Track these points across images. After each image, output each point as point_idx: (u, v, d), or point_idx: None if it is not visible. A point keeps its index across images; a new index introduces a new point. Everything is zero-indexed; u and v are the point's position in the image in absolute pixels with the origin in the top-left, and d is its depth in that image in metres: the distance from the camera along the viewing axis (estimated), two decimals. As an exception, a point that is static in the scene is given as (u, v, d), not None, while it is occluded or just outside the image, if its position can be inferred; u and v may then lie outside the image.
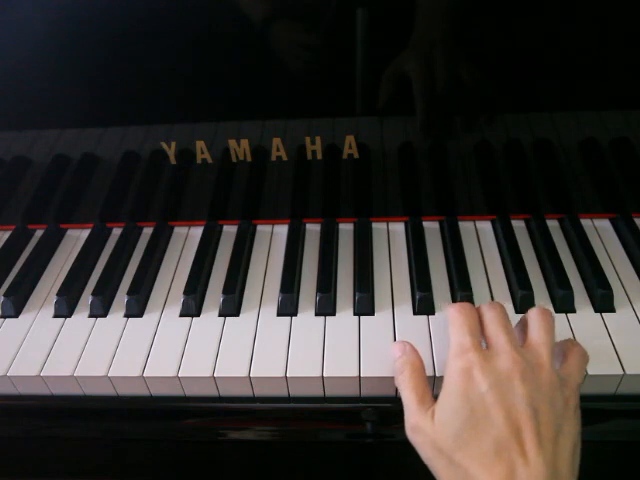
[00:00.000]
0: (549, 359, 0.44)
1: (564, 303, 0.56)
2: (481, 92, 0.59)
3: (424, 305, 0.56)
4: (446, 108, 0.59)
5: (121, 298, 0.60)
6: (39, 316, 0.60)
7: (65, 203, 0.70)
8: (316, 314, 0.57)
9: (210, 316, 0.58)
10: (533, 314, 0.47)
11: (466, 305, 0.48)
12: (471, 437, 0.41)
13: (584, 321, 0.55)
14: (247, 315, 0.57)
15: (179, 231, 0.70)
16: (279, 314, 0.57)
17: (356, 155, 0.63)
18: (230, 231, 0.69)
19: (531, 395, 0.41)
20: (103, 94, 0.61)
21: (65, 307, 0.59)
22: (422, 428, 0.44)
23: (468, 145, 0.62)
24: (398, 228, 0.67)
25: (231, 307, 0.58)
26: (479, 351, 0.44)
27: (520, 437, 0.40)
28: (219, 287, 0.60)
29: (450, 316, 0.48)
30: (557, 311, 0.56)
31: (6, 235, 0.71)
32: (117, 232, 0.70)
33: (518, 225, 0.66)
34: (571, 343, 0.48)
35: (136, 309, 0.59)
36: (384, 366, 0.51)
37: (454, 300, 0.57)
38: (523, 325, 0.49)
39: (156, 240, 0.67)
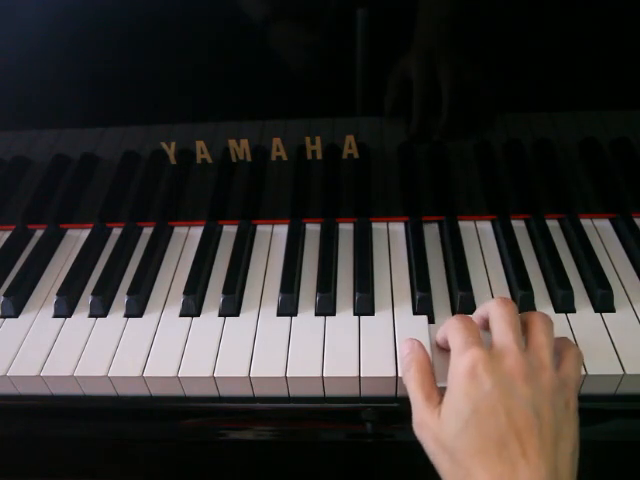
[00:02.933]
0: (550, 362, 0.44)
1: (564, 303, 0.56)
2: (481, 92, 0.59)
3: (424, 305, 0.56)
4: (446, 108, 0.59)
5: (121, 298, 0.60)
6: (39, 316, 0.60)
7: (65, 203, 0.70)
8: (316, 314, 0.57)
9: (210, 316, 0.58)
10: (533, 317, 0.47)
11: (464, 315, 0.48)
12: (474, 436, 0.41)
13: (584, 321, 0.55)
14: (247, 315, 0.57)
15: (179, 231, 0.70)
16: (279, 314, 0.57)
17: (356, 155, 0.63)
18: (230, 231, 0.69)
19: (533, 397, 0.41)
20: (103, 94, 0.61)
21: (65, 307, 0.59)
22: (428, 425, 0.44)
23: (468, 145, 0.62)
24: (398, 228, 0.67)
25: (231, 307, 0.58)
26: (482, 348, 0.44)
27: (521, 438, 0.40)
28: (219, 287, 0.60)
29: (449, 324, 0.48)
30: (557, 311, 0.56)
31: (6, 235, 0.71)
32: (117, 232, 0.70)
33: (518, 225, 0.66)
34: (566, 344, 0.48)
35: (136, 309, 0.59)
36: (384, 366, 0.51)
37: (454, 300, 0.57)
38: (521, 327, 0.48)
39: (156, 240, 0.67)
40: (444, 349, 0.50)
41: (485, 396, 0.41)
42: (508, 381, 0.42)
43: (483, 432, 0.41)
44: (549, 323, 0.47)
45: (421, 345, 0.49)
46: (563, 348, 0.48)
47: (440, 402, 0.44)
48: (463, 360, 0.44)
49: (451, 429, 0.42)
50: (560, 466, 0.40)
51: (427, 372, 0.47)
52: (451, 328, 0.47)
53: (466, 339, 0.45)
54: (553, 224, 0.66)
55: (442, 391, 0.45)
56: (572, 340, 0.52)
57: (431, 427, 0.44)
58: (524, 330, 0.47)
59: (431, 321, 0.56)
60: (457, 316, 0.48)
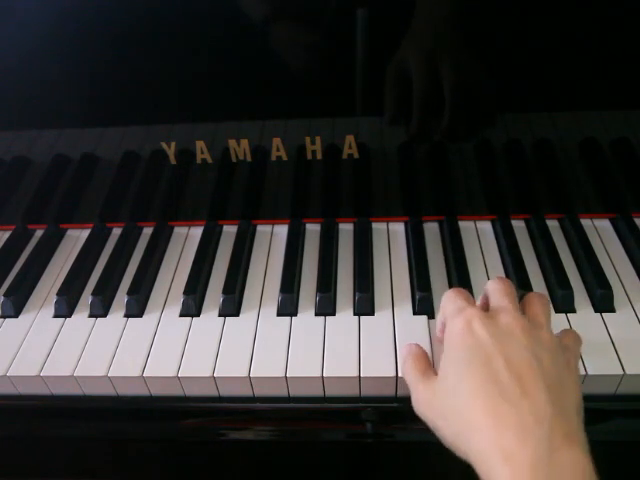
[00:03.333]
0: (547, 326, 0.45)
1: (564, 303, 0.56)
2: (481, 92, 0.59)
3: (424, 305, 0.56)
4: (446, 107, 0.59)
5: (121, 298, 0.60)
6: (39, 316, 0.60)
7: (65, 203, 0.70)
8: (316, 314, 0.57)
9: (210, 316, 0.58)
10: (531, 296, 0.48)
11: (460, 288, 0.49)
12: (472, 384, 0.40)
13: (584, 321, 0.55)
14: (247, 315, 0.57)
15: (179, 231, 0.70)
16: (279, 314, 0.57)
17: (356, 155, 0.63)
18: (230, 231, 0.69)
19: (532, 345, 0.41)
20: (103, 94, 0.61)
21: (65, 307, 0.59)
22: (425, 396, 0.44)
23: (468, 145, 0.62)
24: (398, 228, 0.67)
25: (231, 307, 0.58)
26: (477, 308, 0.44)
27: (523, 380, 0.39)
28: (219, 287, 0.60)
29: (444, 296, 0.49)
30: (557, 311, 0.56)
31: (6, 235, 0.71)
32: (117, 232, 0.70)
33: (518, 225, 0.66)
34: (566, 329, 0.50)
35: (136, 309, 0.59)
36: (384, 366, 0.51)
37: (454, 300, 0.58)
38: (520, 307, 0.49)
39: (156, 240, 0.67)
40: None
41: (482, 345, 0.41)
42: (506, 333, 0.42)
43: (483, 377, 0.40)
44: (546, 300, 0.48)
45: (419, 345, 0.50)
46: (564, 332, 0.49)
47: (436, 375, 0.45)
48: (458, 320, 0.44)
49: (449, 383, 0.42)
50: (566, 405, 0.39)
51: (422, 359, 0.48)
52: (445, 299, 0.48)
53: (460, 303, 0.45)
54: (553, 224, 0.66)
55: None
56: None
57: (429, 395, 0.44)
58: (522, 310, 0.48)
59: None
60: (451, 289, 0.49)
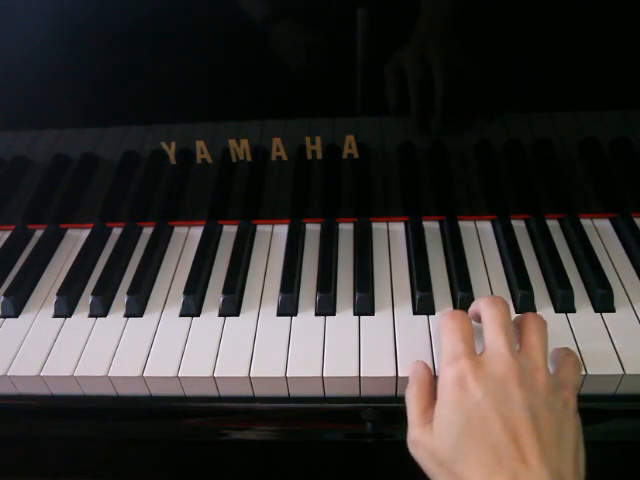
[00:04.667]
0: (544, 363, 0.44)
1: (564, 303, 0.56)
2: (481, 92, 0.59)
3: (424, 305, 0.56)
4: (446, 108, 0.59)
5: (121, 298, 0.60)
6: (39, 316, 0.60)
7: (65, 203, 0.70)
8: (316, 314, 0.57)
9: (210, 316, 0.58)
10: (526, 319, 0.47)
11: (458, 312, 0.48)
12: (470, 447, 0.40)
13: (584, 321, 0.55)
14: (247, 315, 0.57)
15: (179, 231, 0.70)
16: (279, 314, 0.57)
17: (356, 155, 0.63)
18: (230, 231, 0.69)
19: (529, 399, 0.41)
20: (103, 94, 0.61)
21: (65, 307, 0.59)
22: (421, 441, 0.43)
23: (468, 145, 0.62)
24: (398, 228, 0.67)
25: (231, 307, 0.58)
26: (472, 358, 0.43)
27: (519, 443, 0.39)
28: (219, 287, 0.60)
29: (442, 323, 0.47)
30: (557, 311, 0.56)
31: (6, 235, 0.71)
32: (117, 232, 0.70)
33: (518, 225, 0.66)
34: (565, 351, 0.48)
35: (136, 309, 0.59)
36: (384, 366, 0.51)
37: (454, 300, 0.57)
38: (516, 329, 0.48)
39: (156, 240, 0.67)
40: None
41: (477, 405, 0.41)
42: (500, 387, 0.41)
43: (479, 441, 0.40)
44: (542, 324, 0.47)
45: (425, 365, 0.49)
46: (562, 355, 0.47)
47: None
48: (451, 371, 0.43)
49: (445, 442, 0.41)
50: (563, 467, 0.39)
51: (427, 391, 0.46)
52: (443, 326, 0.47)
53: (456, 347, 0.44)
54: (553, 224, 0.66)
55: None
56: (572, 341, 0.52)
57: (426, 443, 0.43)
58: (517, 332, 0.47)
59: (431, 321, 0.56)
60: (450, 314, 0.47)
